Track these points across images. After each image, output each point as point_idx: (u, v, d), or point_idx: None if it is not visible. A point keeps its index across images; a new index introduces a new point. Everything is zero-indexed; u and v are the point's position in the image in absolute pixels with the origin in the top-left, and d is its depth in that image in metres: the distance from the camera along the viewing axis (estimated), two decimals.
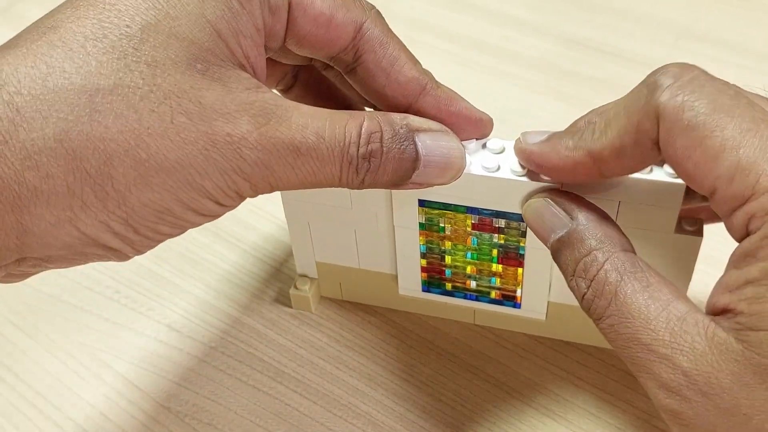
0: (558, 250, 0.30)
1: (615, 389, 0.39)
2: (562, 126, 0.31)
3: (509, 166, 0.33)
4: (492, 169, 0.33)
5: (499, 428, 0.38)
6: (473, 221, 0.36)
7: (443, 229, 0.37)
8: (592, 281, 0.28)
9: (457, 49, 0.60)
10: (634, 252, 0.29)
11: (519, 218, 0.34)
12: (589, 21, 0.62)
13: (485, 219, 0.35)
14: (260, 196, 0.28)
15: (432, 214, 0.36)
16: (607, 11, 0.62)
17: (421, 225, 0.37)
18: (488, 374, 0.40)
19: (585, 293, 0.28)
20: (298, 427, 0.39)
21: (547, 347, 0.41)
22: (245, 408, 0.40)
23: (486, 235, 0.36)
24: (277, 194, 0.49)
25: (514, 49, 0.60)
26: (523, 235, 0.35)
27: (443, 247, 0.38)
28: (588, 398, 0.39)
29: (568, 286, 0.29)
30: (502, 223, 0.35)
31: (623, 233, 0.30)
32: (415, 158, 0.30)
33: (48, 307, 0.45)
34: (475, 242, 0.37)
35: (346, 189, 0.30)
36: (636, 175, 0.33)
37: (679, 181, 0.33)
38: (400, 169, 0.30)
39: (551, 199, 0.31)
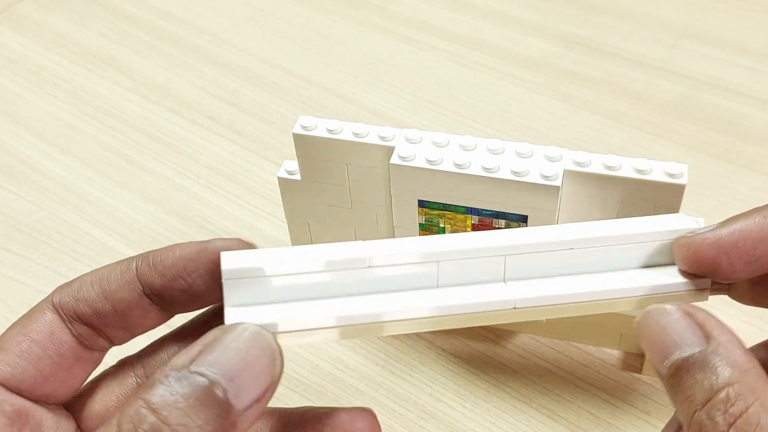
0: (684, 371, 0.25)
1: (615, 389, 0.39)
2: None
3: (509, 166, 0.33)
4: (492, 170, 0.33)
5: (499, 428, 0.38)
6: (473, 222, 0.36)
7: (443, 229, 0.37)
8: (737, 419, 0.24)
9: (457, 49, 0.60)
10: None
11: (519, 218, 0.34)
12: (589, 21, 0.62)
13: (485, 219, 0.35)
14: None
15: (432, 214, 0.36)
16: (607, 11, 0.63)
17: (420, 225, 0.37)
18: (488, 374, 0.40)
19: (723, 431, 0.24)
20: None
21: (547, 347, 0.41)
22: None
23: None
24: (276, 193, 0.49)
25: (514, 49, 0.60)
26: None
27: None
28: (588, 398, 0.39)
29: (684, 414, 0.24)
30: (502, 223, 0.35)
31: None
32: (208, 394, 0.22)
33: None
34: None
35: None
36: (636, 175, 0.33)
37: (679, 181, 0.33)
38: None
39: (683, 310, 0.26)
